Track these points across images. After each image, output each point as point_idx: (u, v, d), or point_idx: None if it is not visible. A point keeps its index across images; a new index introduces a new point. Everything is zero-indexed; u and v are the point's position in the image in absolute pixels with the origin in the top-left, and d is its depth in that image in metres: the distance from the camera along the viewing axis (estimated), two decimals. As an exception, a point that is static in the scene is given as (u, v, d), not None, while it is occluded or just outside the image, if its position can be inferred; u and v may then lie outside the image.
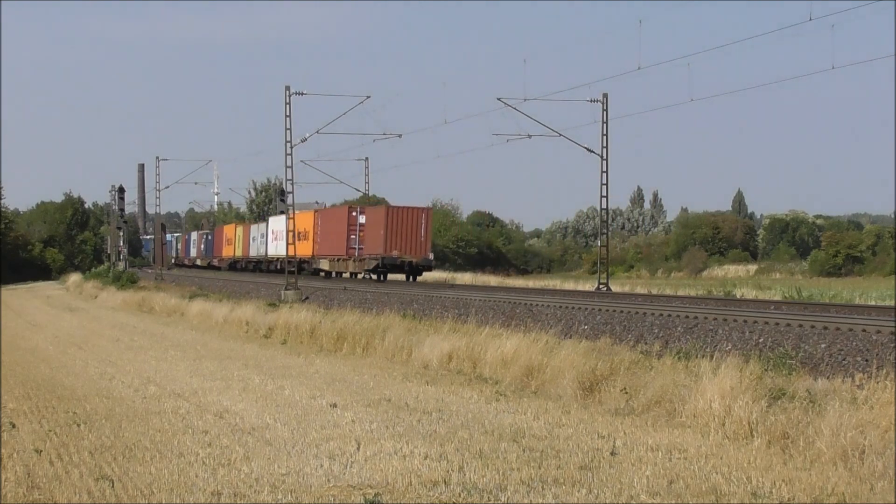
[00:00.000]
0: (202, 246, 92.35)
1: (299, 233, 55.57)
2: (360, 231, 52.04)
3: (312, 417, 15.36)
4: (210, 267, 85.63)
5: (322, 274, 58.76)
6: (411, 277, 50.48)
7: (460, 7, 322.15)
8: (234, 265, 78.36)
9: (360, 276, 52.70)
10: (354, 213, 52.81)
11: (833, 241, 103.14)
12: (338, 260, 54.84)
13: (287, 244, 48.03)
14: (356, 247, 52.04)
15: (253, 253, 71.62)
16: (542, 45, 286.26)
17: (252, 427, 14.65)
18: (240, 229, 77.92)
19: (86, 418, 15.77)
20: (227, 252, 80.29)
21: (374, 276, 50.85)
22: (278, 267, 61.63)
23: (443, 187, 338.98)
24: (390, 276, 51.63)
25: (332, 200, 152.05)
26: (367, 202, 66.02)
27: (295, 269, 45.65)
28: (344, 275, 54.99)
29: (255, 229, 72.09)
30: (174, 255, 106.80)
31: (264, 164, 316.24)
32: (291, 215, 48.15)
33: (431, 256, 51.53)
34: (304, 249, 57.77)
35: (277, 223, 62.90)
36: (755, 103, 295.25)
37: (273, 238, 65.40)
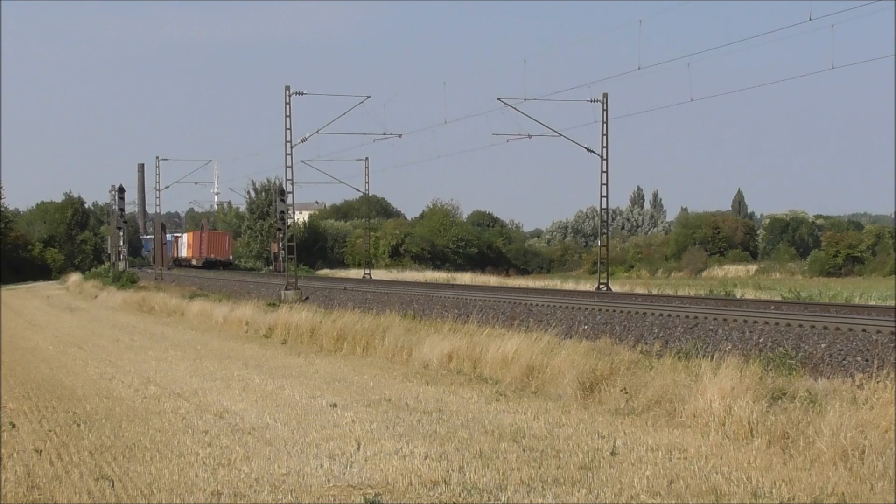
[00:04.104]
0: (168, 249, 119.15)
1: (189, 244, 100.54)
2: (203, 243, 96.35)
3: (312, 417, 15.36)
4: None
5: (193, 265, 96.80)
6: (222, 268, 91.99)
7: (460, 7, 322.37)
8: (174, 263, 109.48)
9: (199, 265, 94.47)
10: (203, 234, 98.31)
11: (833, 241, 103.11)
12: (196, 259, 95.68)
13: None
14: (202, 251, 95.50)
15: (180, 255, 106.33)
16: (542, 45, 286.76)
17: (252, 427, 14.65)
18: (175, 239, 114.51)
19: (86, 418, 15.77)
20: (174, 254, 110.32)
21: (201, 266, 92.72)
22: (188, 264, 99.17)
23: (443, 187, 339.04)
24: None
25: (331, 200, 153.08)
26: (367, 202, 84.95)
27: (295, 269, 46.01)
28: (198, 266, 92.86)
29: (181, 240, 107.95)
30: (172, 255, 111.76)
31: (264, 164, 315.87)
32: (291, 214, 50.30)
33: (231, 258, 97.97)
34: (188, 253, 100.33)
35: (185, 238, 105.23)
36: (755, 103, 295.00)
37: (183, 246, 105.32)
